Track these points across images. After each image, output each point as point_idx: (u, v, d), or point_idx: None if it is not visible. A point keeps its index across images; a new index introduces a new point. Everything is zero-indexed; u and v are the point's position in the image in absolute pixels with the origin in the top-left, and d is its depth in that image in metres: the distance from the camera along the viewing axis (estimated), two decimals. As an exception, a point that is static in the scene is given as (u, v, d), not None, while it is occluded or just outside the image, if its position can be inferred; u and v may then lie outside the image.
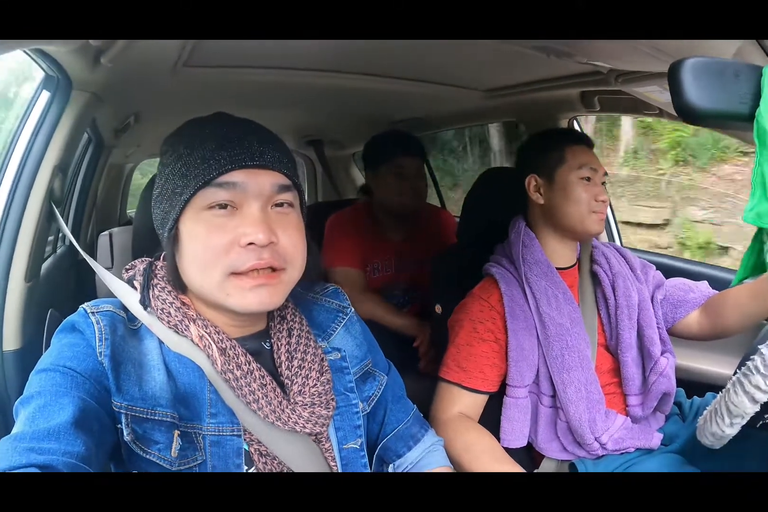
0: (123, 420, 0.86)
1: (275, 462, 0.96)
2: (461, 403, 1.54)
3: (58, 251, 2.21)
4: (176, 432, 0.89)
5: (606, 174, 1.62)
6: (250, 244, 0.88)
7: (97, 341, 0.88)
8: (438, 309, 1.84)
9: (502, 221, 1.73)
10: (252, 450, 0.95)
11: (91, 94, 1.54)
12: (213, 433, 0.92)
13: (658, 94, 1.46)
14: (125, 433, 0.85)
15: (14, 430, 0.79)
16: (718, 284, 1.72)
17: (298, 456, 0.98)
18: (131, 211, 4.84)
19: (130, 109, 2.24)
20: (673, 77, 0.82)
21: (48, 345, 0.93)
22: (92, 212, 3.06)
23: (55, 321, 1.68)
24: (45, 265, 1.77)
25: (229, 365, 0.93)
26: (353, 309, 1.19)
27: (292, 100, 2.41)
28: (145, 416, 0.87)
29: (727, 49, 1.00)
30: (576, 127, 2.37)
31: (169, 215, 0.93)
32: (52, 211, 1.48)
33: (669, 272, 1.80)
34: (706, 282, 1.73)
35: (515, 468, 1.38)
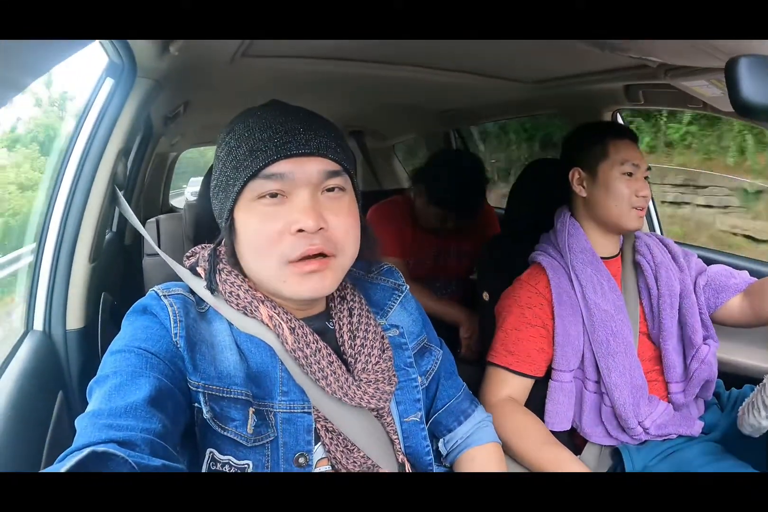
0: (201, 399, 0.88)
1: (341, 437, 0.99)
2: (509, 387, 1.58)
3: (107, 237, 2.28)
4: (251, 410, 0.91)
5: (649, 168, 1.64)
6: (300, 230, 0.89)
7: (172, 323, 0.91)
8: (486, 296, 1.88)
9: (547, 212, 1.77)
10: (319, 426, 0.97)
11: (154, 81, 1.57)
12: (285, 410, 0.94)
13: (705, 88, 1.47)
14: (204, 411, 0.87)
15: (90, 408, 0.80)
16: (757, 276, 1.73)
17: (362, 431, 1.01)
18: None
19: (182, 98, 2.27)
20: (730, 73, 0.85)
21: (104, 327, 0.96)
22: (139, 199, 3.12)
23: (108, 304, 1.73)
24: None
25: (298, 343, 0.95)
26: (408, 287, 1.21)
27: (338, 90, 2.44)
28: (221, 395, 0.89)
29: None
30: (619, 120, 2.38)
31: (225, 206, 0.95)
32: (116, 194, 1.51)
33: (708, 263, 1.81)
34: (746, 271, 1.75)
35: (563, 450, 1.42)
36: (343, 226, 0.94)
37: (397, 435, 1.07)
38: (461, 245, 2.53)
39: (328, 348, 0.99)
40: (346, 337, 1.03)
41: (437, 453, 1.25)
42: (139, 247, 2.37)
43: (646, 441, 1.60)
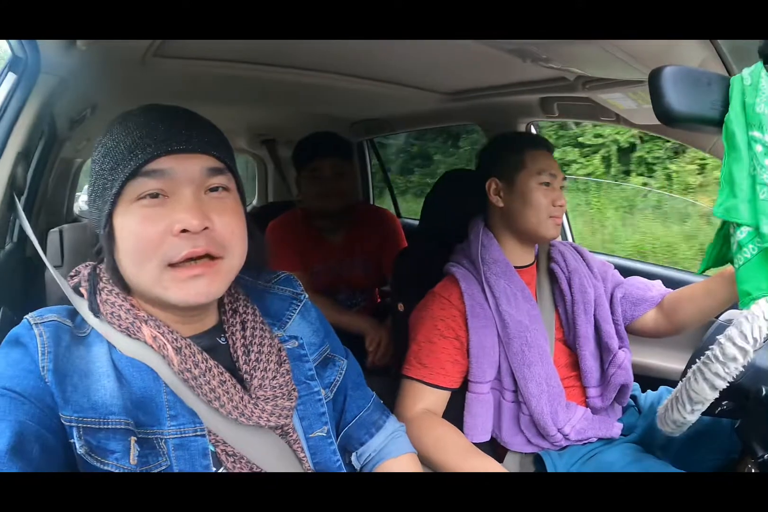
0: (75, 434, 0.82)
1: (243, 461, 0.94)
2: (425, 400, 1.56)
3: (7, 247, 2.15)
4: (132, 439, 0.85)
5: (565, 178, 1.66)
6: (184, 231, 0.85)
7: (40, 355, 0.85)
8: (400, 307, 1.85)
9: (462, 222, 1.76)
10: (219, 451, 0.92)
11: (59, 78, 1.48)
12: (175, 436, 0.88)
13: (621, 100, 1.51)
14: (78, 446, 0.81)
15: None
16: (670, 283, 1.79)
17: (265, 451, 0.97)
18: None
19: (89, 99, 2.14)
20: (654, 82, 0.89)
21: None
22: (41, 208, 2.96)
23: (8, 320, 1.61)
24: (-4, 261, 1.71)
25: (185, 364, 0.90)
26: (307, 296, 1.17)
27: (250, 96, 2.37)
28: (97, 426, 0.83)
29: (694, 59, 1.09)
30: (533, 132, 2.42)
31: (103, 211, 0.89)
32: (13, 200, 1.41)
33: (624, 272, 1.86)
34: (659, 281, 1.80)
35: (486, 459, 1.42)
36: (228, 225, 0.91)
37: (305, 452, 1.02)
38: (365, 256, 2.51)
39: (219, 366, 0.94)
40: (240, 352, 0.99)
41: (351, 468, 1.21)
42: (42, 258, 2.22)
43: (566, 446, 1.61)
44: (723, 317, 1.75)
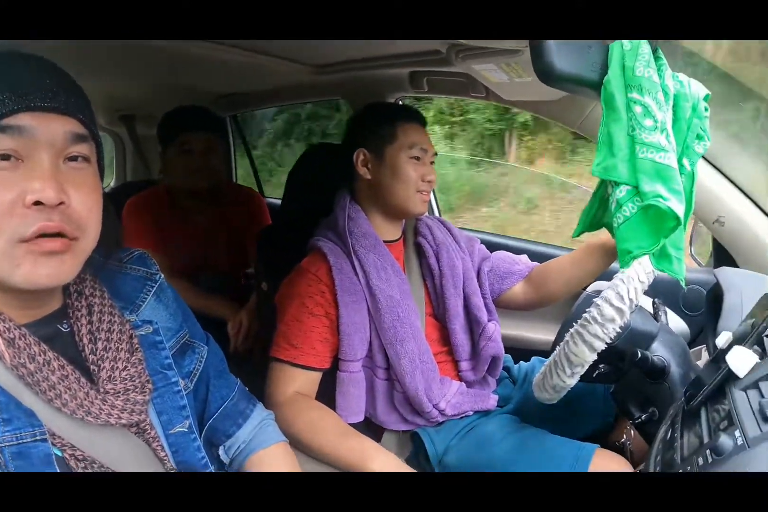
0: None
1: (95, 465, 0.83)
2: (296, 382, 1.50)
3: None
4: None
5: (436, 154, 1.64)
6: (37, 203, 0.75)
7: None
8: (264, 286, 1.80)
9: (327, 197, 1.70)
10: (67, 456, 0.80)
11: None
12: (11, 443, 0.75)
13: (493, 73, 1.49)
14: None
15: None
16: (535, 258, 1.83)
17: (120, 453, 0.86)
18: None
19: None
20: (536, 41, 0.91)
21: None
22: None
23: None
24: None
25: (20, 358, 0.78)
26: (162, 276, 1.06)
27: (105, 67, 2.15)
28: None
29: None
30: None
31: None
32: None
33: (489, 247, 1.88)
34: (525, 255, 1.83)
35: (364, 439, 1.40)
36: (86, 202, 0.81)
37: (165, 450, 0.93)
38: (229, 237, 2.43)
39: (61, 358, 0.82)
40: (85, 341, 0.88)
41: (219, 464, 1.13)
42: None
43: (443, 421, 1.60)
44: (590, 288, 1.82)
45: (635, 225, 1.00)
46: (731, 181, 1.65)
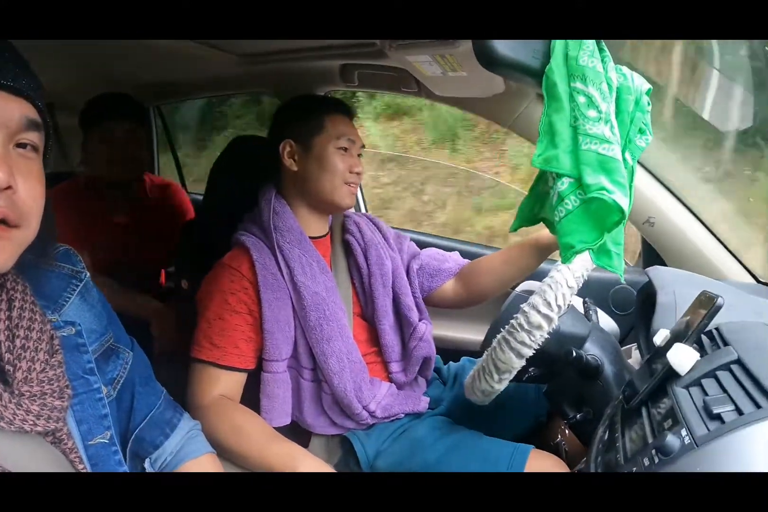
0: None
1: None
2: (219, 384, 1.44)
3: None
4: None
5: (363, 146, 1.61)
6: None
7: None
8: (185, 284, 1.73)
9: (251, 190, 1.64)
10: None
11: None
12: None
13: (427, 65, 1.46)
14: None
15: None
16: (465, 256, 1.81)
17: (34, 464, 0.78)
18: None
19: None
20: None
21: None
22: None
23: None
24: None
25: None
26: (88, 274, 0.99)
27: (24, 53, 2.06)
28: None
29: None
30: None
31: None
32: None
33: (419, 246, 1.86)
34: (456, 252, 1.81)
35: (290, 445, 1.36)
36: (32, 191, 0.76)
37: (84, 463, 0.85)
38: (151, 232, 2.33)
39: None
40: (2, 337, 0.79)
41: None
42: None
43: (373, 425, 1.57)
44: (520, 288, 1.82)
45: (577, 218, 0.97)
46: (660, 182, 1.67)
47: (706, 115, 1.90)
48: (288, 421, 1.51)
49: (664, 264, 1.72)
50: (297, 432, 1.56)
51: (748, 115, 1.87)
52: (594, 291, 1.41)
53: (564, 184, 0.97)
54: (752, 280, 1.68)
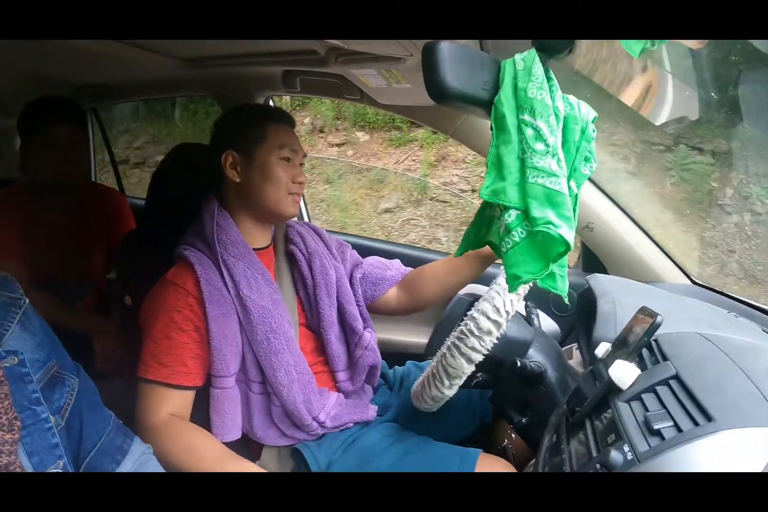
0: None
1: None
2: (169, 403, 1.42)
3: None
4: None
5: (305, 155, 1.59)
6: None
7: None
8: (128, 300, 1.68)
9: (194, 201, 1.60)
10: None
11: None
12: None
13: (372, 78, 1.47)
14: None
15: None
16: (407, 262, 1.83)
17: None
18: None
19: None
20: (428, 57, 0.88)
21: None
22: None
23: None
24: None
25: None
26: (28, 301, 0.96)
27: None
28: None
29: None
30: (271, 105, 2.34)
31: None
32: None
33: (362, 252, 1.86)
34: (398, 259, 1.83)
35: (241, 462, 1.35)
36: None
37: None
38: (90, 241, 2.26)
39: None
40: None
41: None
42: None
43: (323, 435, 1.57)
44: (463, 291, 1.84)
45: (524, 250, 0.97)
46: (599, 189, 1.71)
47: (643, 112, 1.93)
48: (239, 435, 1.50)
49: (603, 268, 1.77)
50: (248, 445, 1.56)
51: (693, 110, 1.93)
52: (535, 294, 1.43)
53: (511, 216, 0.97)
54: (687, 281, 1.74)
